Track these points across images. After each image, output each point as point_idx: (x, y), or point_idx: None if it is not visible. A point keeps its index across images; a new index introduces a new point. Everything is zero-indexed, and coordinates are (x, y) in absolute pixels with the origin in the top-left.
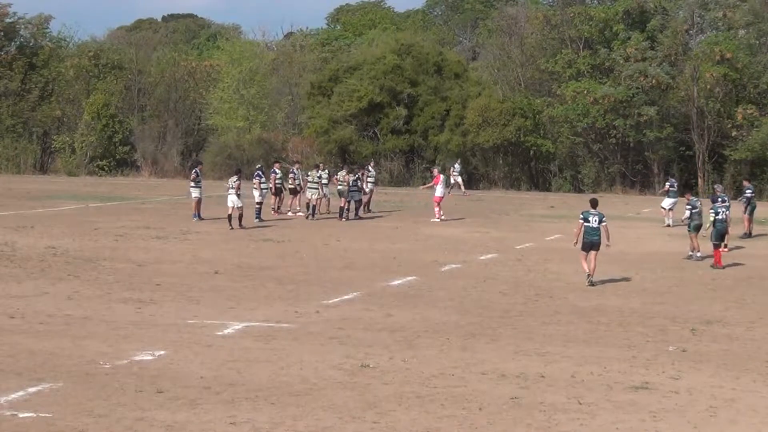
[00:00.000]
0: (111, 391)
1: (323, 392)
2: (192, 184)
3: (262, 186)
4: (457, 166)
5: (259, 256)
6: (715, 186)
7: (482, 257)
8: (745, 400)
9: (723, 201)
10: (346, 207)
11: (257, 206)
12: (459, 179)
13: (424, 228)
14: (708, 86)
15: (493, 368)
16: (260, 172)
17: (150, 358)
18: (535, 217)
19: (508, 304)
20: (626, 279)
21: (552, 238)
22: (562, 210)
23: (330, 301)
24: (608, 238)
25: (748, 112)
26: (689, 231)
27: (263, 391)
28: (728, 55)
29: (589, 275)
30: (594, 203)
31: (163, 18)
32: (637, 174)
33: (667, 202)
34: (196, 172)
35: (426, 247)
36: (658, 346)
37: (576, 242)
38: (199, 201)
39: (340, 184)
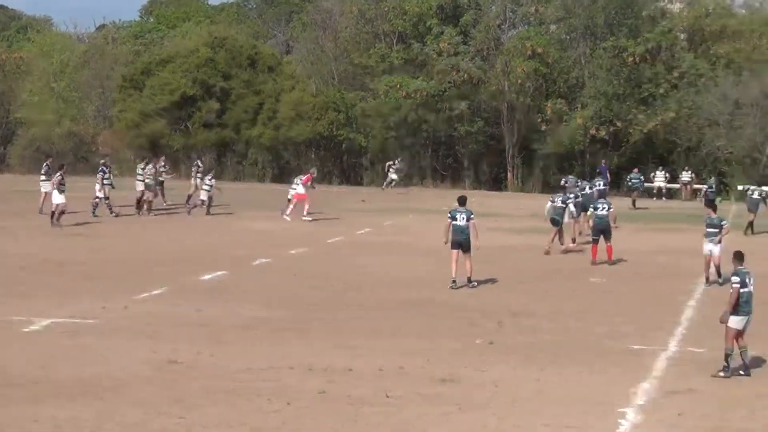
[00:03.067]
0: None
1: (130, 388)
2: (42, 178)
3: (105, 182)
4: (397, 162)
5: (69, 251)
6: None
7: (293, 251)
8: (549, 391)
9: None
10: (150, 200)
11: (97, 201)
12: (394, 176)
13: (237, 222)
14: (519, 81)
15: (301, 362)
16: (105, 168)
17: None
18: (346, 211)
19: (317, 298)
20: (438, 272)
21: (362, 232)
22: (374, 204)
23: (139, 296)
24: (477, 237)
25: (558, 106)
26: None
27: (68, 388)
28: (539, 50)
29: (454, 280)
30: (462, 201)
31: None
32: (447, 168)
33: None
34: (46, 165)
35: (237, 242)
36: (465, 339)
37: (446, 241)
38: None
39: (147, 178)
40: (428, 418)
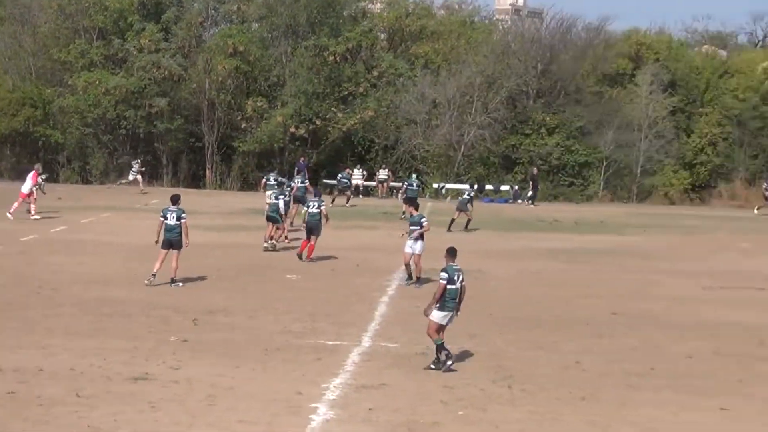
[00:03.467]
0: None
1: None
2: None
3: None
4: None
5: None
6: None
7: None
8: (243, 388)
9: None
10: None
11: None
12: (139, 176)
13: None
14: (220, 78)
15: None
16: None
17: None
18: (42, 208)
19: (9, 297)
20: (134, 270)
21: (57, 230)
22: (70, 201)
23: None
24: (187, 236)
25: (258, 104)
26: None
27: None
28: (241, 48)
29: (154, 274)
30: (174, 200)
31: None
32: (146, 165)
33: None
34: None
35: None
36: (159, 337)
37: (157, 240)
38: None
39: None
40: (121, 417)
